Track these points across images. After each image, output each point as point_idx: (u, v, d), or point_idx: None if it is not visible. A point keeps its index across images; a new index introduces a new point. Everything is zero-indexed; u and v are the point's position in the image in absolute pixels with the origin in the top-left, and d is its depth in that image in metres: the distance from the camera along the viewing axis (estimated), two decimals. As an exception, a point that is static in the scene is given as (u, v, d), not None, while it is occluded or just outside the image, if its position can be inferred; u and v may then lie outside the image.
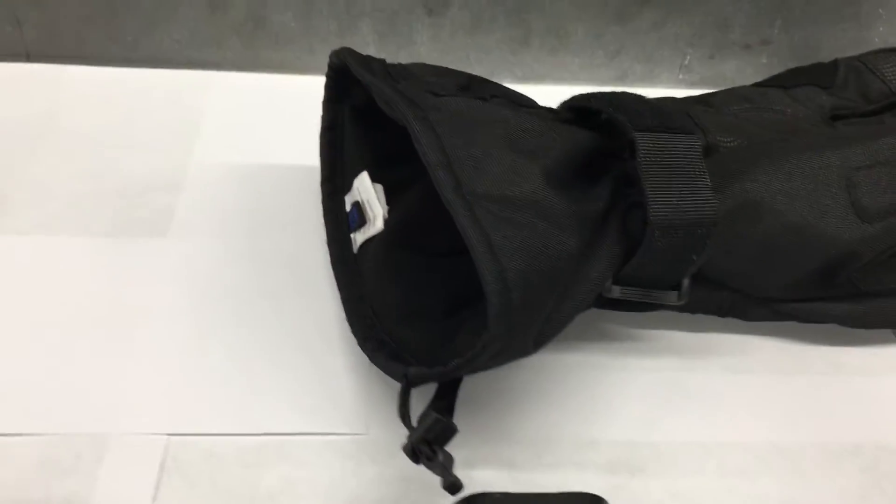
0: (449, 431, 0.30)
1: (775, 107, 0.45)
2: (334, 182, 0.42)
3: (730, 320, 0.39)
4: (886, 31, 0.52)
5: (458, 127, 0.32)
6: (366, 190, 0.41)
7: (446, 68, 0.39)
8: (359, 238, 0.40)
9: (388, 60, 0.53)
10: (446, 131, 0.32)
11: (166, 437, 0.33)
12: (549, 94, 0.55)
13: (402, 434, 0.32)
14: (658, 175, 0.33)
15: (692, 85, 0.54)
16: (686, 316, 0.39)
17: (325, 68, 0.53)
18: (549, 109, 0.38)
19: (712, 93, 0.46)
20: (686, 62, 0.53)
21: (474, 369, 0.30)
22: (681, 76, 0.54)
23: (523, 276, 0.29)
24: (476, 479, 0.33)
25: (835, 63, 0.48)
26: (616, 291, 0.36)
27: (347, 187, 0.42)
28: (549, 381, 0.36)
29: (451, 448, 0.29)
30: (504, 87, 0.39)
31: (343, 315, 0.38)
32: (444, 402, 0.31)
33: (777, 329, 0.39)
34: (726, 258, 0.36)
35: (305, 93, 0.51)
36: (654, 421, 0.35)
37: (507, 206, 0.31)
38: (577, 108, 0.37)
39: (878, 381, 0.38)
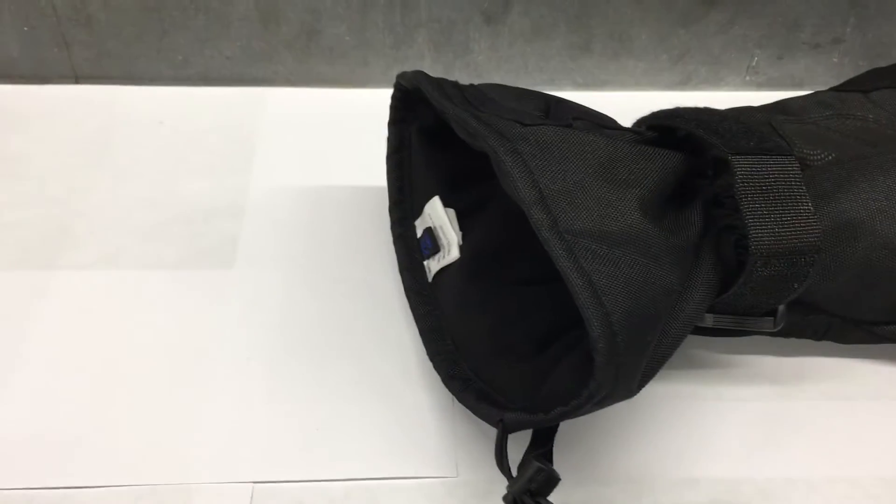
0: (552, 481, 0.29)
1: (857, 113, 0.43)
2: (403, 207, 0.41)
3: (824, 343, 0.37)
4: (965, 26, 0.50)
5: (549, 159, 0.31)
6: (438, 215, 0.39)
7: (522, 89, 0.37)
8: (433, 266, 0.39)
9: (444, 71, 0.52)
10: (538, 165, 0.30)
11: (252, 485, 0.32)
12: (611, 100, 0.53)
13: (492, 475, 0.31)
14: (757, 201, 0.32)
15: (759, 87, 0.52)
16: (778, 339, 0.37)
17: (380, 81, 0.52)
18: (631, 130, 0.36)
19: (789, 99, 0.44)
20: (753, 63, 0.51)
21: (578, 416, 0.29)
22: (747, 78, 0.52)
23: (628, 317, 0.28)
24: (575, 525, 0.31)
25: (914, 63, 0.46)
26: (709, 320, 0.34)
27: (417, 212, 0.41)
28: (640, 414, 0.35)
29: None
30: (582, 106, 0.38)
31: (421, 349, 0.36)
32: (544, 449, 0.30)
33: (875, 351, 0.37)
34: (823, 282, 0.35)
35: (360, 107, 0.50)
36: (754, 455, 0.34)
37: (605, 243, 0.29)
38: (658, 128, 0.36)
39: (984, 404, 0.36)
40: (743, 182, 0.32)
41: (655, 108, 0.44)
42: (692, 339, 0.36)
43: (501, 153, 0.30)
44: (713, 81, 0.52)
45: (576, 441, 0.34)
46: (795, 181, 0.32)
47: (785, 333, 0.37)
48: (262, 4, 0.48)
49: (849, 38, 0.50)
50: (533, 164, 0.30)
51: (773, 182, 0.32)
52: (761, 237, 0.31)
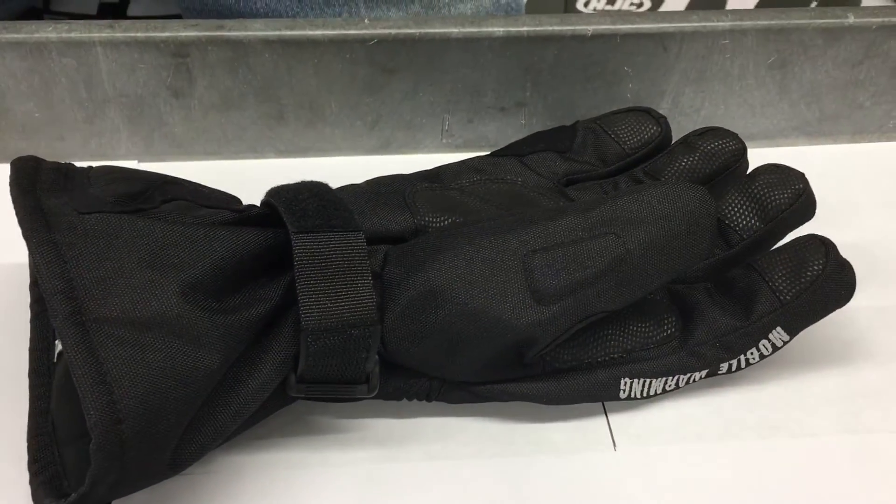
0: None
1: (507, 177, 0.45)
2: (43, 286, 0.42)
3: (437, 403, 0.39)
4: (636, 88, 0.53)
5: (92, 248, 0.32)
6: (69, 294, 0.40)
7: (128, 171, 0.38)
8: (59, 345, 0.39)
9: (144, 143, 0.53)
10: (75, 254, 0.31)
11: None
12: (315, 165, 0.55)
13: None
14: (314, 278, 0.33)
15: (457, 148, 0.55)
16: (392, 401, 0.38)
17: (80, 154, 0.53)
18: (238, 210, 0.38)
19: (448, 164, 0.46)
20: (446, 127, 0.54)
21: (97, 501, 0.30)
22: (444, 140, 0.55)
23: (142, 402, 0.29)
24: None
25: (574, 126, 0.49)
26: (301, 390, 0.35)
27: (57, 291, 0.41)
28: (235, 486, 0.36)
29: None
30: (196, 186, 0.39)
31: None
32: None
33: (483, 410, 0.39)
34: (415, 347, 0.36)
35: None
36: (341, 521, 0.35)
37: (134, 329, 0.30)
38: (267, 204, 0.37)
39: (582, 456, 0.38)
40: (300, 259, 0.33)
41: (357, 172, 0.46)
42: (310, 406, 0.37)
43: (32, 244, 0.31)
44: (412, 145, 0.55)
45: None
46: (356, 256, 0.34)
47: (394, 396, 0.38)
48: (-61, 85, 0.49)
49: (530, 102, 0.53)
50: (70, 253, 0.31)
51: (333, 258, 0.34)
52: (311, 312, 0.33)
